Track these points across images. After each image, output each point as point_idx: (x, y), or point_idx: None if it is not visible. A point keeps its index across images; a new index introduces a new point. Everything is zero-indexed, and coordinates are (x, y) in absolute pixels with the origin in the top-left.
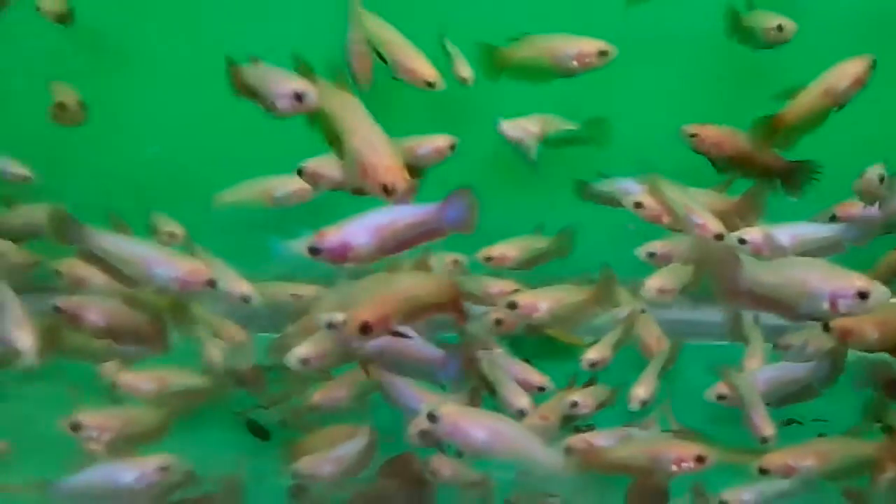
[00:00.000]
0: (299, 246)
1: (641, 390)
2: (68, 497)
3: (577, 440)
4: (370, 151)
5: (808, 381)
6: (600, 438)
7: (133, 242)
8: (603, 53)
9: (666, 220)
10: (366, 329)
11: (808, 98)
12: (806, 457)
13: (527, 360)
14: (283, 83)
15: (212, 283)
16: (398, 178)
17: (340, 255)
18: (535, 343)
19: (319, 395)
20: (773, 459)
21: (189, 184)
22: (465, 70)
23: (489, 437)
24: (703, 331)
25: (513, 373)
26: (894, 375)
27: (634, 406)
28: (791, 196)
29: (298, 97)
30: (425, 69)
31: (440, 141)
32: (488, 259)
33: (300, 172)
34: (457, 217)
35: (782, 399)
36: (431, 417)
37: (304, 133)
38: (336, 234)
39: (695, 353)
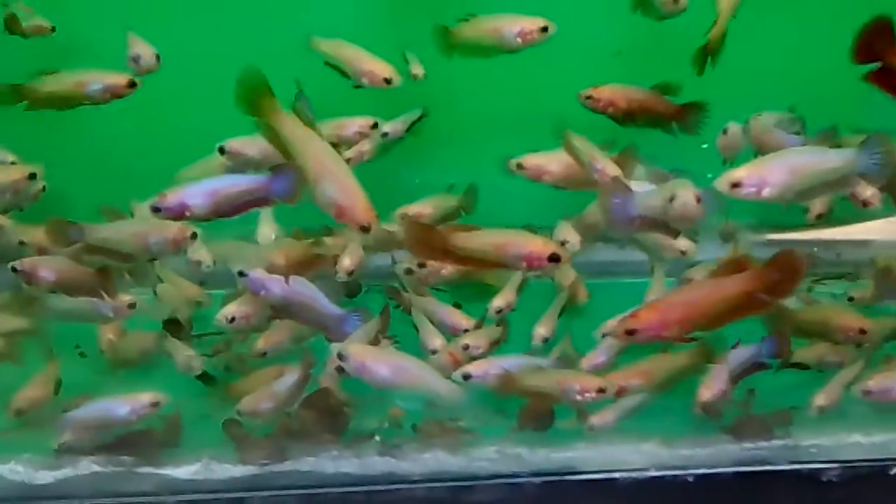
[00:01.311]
0: None
1: (542, 329)
2: (73, 426)
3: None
4: (344, 196)
5: None
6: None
7: (123, 225)
8: (544, 30)
9: (546, 178)
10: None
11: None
12: (633, 376)
13: (457, 305)
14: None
15: (195, 236)
16: (373, 217)
17: (179, 213)
18: (471, 287)
19: (263, 342)
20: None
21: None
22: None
23: (392, 372)
24: (624, 270)
25: (440, 316)
26: None
27: (537, 343)
28: (688, 134)
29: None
30: (381, 68)
31: (362, 122)
32: (405, 216)
33: (222, 150)
34: (282, 188)
35: None
36: (341, 357)
37: None
38: (175, 196)
39: (614, 290)
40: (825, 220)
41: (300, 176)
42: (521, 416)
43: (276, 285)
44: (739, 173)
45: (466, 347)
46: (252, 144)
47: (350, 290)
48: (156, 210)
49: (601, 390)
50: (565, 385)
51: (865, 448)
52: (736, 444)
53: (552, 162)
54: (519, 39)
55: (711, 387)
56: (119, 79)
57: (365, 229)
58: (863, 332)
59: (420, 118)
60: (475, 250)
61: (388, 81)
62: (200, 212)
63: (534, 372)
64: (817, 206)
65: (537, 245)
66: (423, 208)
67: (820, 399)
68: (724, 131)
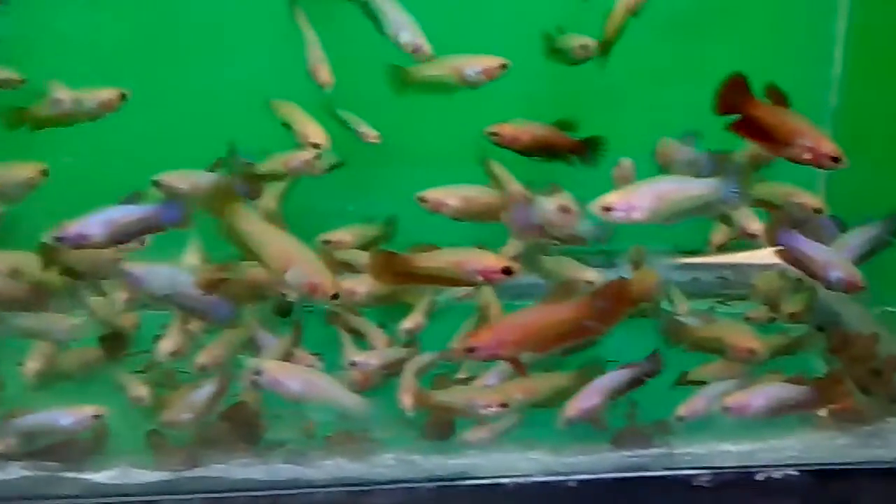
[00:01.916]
0: None
1: (408, 323)
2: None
3: None
4: (313, 275)
5: None
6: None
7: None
8: (504, 66)
9: (444, 210)
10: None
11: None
12: (516, 391)
13: (382, 325)
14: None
15: None
16: (338, 286)
17: (78, 243)
18: (399, 308)
19: (204, 356)
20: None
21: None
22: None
23: (303, 387)
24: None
25: (368, 334)
26: None
27: (402, 335)
28: (588, 166)
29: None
30: (315, 133)
31: (307, 154)
32: (327, 242)
33: (156, 184)
34: (172, 216)
35: None
36: (256, 372)
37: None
38: (74, 227)
39: None
40: (725, 249)
41: (189, 204)
42: (426, 426)
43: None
44: (611, 198)
45: (353, 364)
46: (184, 179)
47: (282, 310)
48: (58, 240)
49: (503, 405)
50: (471, 401)
51: (734, 455)
52: (616, 451)
53: (451, 196)
54: (484, 77)
55: (575, 405)
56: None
57: (335, 297)
58: (752, 351)
59: (337, 165)
60: (435, 269)
61: (315, 146)
62: (98, 240)
63: (443, 389)
64: (718, 236)
65: (491, 260)
66: (343, 236)
67: (681, 409)
68: (618, 164)
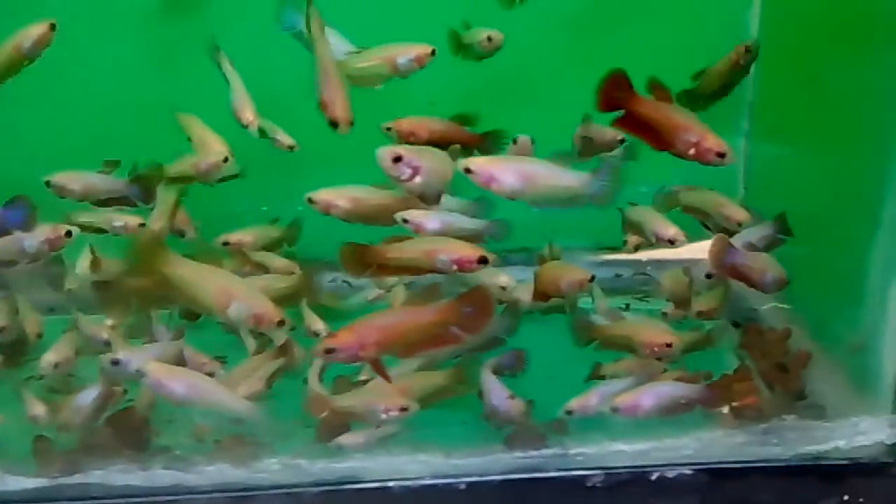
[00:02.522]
0: None
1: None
2: None
3: None
4: (257, 307)
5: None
6: None
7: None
8: (433, 53)
9: (333, 211)
10: None
11: None
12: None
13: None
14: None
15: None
16: (281, 312)
17: None
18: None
19: (52, 354)
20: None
21: None
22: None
23: (187, 390)
24: None
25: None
26: None
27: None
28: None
29: None
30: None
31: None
32: (226, 244)
33: (47, 184)
34: (15, 218)
35: None
36: (139, 373)
37: None
38: None
39: None
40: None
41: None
42: (319, 429)
43: None
44: (475, 162)
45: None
46: (76, 179)
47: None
48: None
49: (404, 409)
50: (371, 405)
51: (629, 455)
52: (509, 453)
53: (340, 197)
54: (415, 65)
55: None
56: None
57: (281, 323)
58: (668, 346)
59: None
60: (408, 259)
61: (225, 160)
62: None
63: (343, 391)
64: (633, 238)
65: (467, 249)
66: (244, 237)
67: (572, 404)
68: (514, 141)
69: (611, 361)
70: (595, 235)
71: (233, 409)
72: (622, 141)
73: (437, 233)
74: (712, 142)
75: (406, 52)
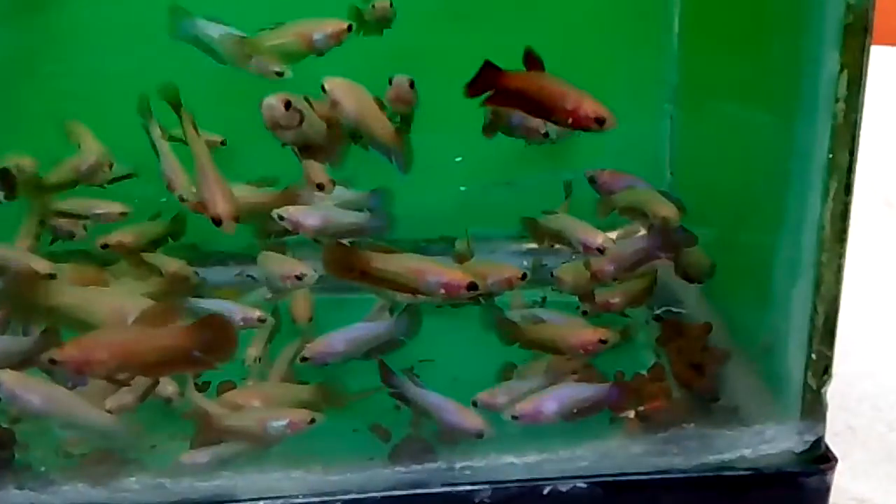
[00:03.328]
0: None
1: (253, 350)
2: None
3: None
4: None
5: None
6: None
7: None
8: (349, 29)
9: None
10: None
11: None
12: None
13: None
14: None
15: None
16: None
17: None
18: None
19: None
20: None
21: None
22: None
23: (43, 400)
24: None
25: None
26: None
27: (249, 363)
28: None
29: None
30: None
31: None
32: (105, 246)
33: None
34: None
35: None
36: None
37: None
38: None
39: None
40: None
41: None
42: (193, 441)
43: None
44: (287, 210)
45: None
46: None
47: None
48: None
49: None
50: (266, 420)
51: (519, 468)
52: (390, 467)
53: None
54: (332, 41)
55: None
56: None
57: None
58: (603, 341)
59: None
60: (393, 273)
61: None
62: None
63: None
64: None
65: (456, 275)
66: (124, 237)
67: (481, 396)
68: (392, 83)
69: (523, 362)
70: (516, 224)
71: (93, 422)
72: (546, 135)
73: (317, 229)
74: (590, 107)
75: (322, 28)
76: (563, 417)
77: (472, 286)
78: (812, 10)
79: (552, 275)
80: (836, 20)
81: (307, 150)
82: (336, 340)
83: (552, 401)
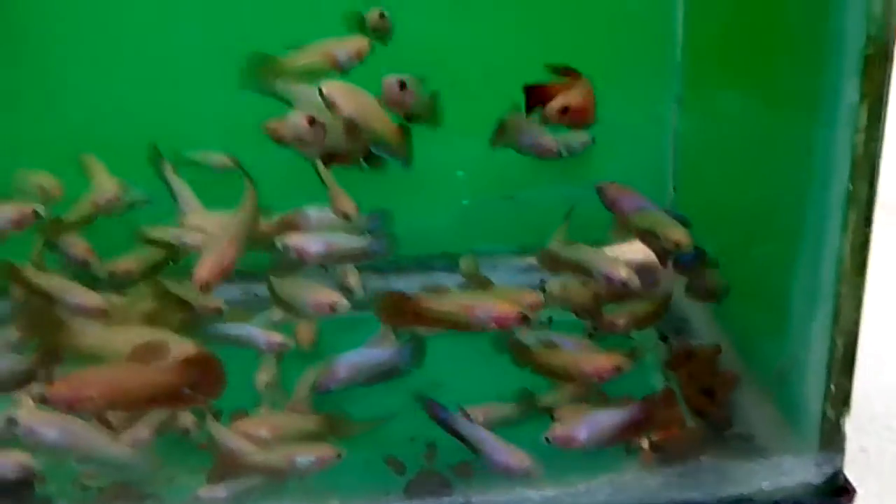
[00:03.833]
0: None
1: (263, 375)
2: None
3: None
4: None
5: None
6: None
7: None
8: (370, 45)
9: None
10: None
11: None
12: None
13: None
14: None
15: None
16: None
17: None
18: None
19: None
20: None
21: None
22: None
23: (60, 435)
24: None
25: None
26: None
27: (260, 387)
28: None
29: None
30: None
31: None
32: (112, 273)
33: None
34: None
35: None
36: (11, 421)
37: None
38: None
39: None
40: None
41: None
42: (210, 474)
43: None
44: (290, 238)
45: None
46: None
47: None
48: None
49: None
50: (293, 456)
51: (536, 502)
52: (407, 502)
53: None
54: (355, 59)
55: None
56: None
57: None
58: (617, 369)
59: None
60: (445, 312)
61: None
62: None
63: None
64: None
65: (506, 306)
66: (129, 265)
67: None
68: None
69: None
70: (519, 239)
71: (111, 455)
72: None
73: (320, 255)
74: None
75: (346, 47)
76: (597, 444)
77: (523, 318)
78: (832, 40)
79: (544, 290)
80: (857, 50)
81: (331, 158)
82: (340, 367)
83: (586, 427)
